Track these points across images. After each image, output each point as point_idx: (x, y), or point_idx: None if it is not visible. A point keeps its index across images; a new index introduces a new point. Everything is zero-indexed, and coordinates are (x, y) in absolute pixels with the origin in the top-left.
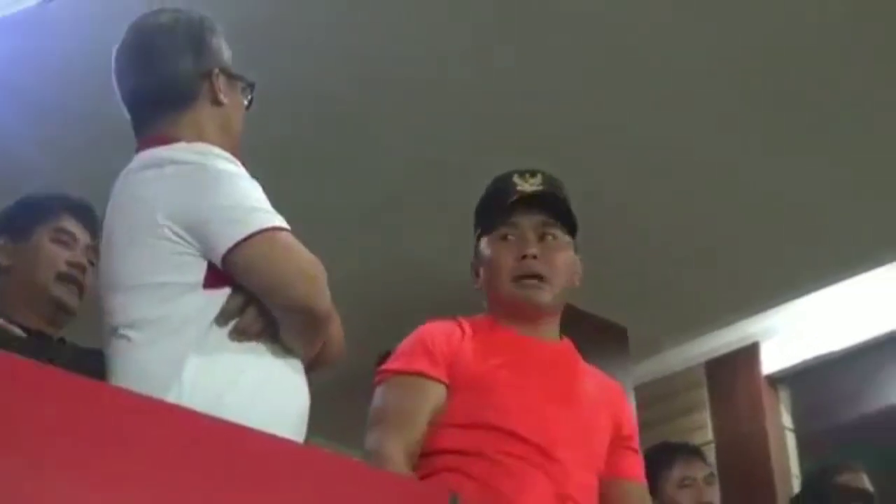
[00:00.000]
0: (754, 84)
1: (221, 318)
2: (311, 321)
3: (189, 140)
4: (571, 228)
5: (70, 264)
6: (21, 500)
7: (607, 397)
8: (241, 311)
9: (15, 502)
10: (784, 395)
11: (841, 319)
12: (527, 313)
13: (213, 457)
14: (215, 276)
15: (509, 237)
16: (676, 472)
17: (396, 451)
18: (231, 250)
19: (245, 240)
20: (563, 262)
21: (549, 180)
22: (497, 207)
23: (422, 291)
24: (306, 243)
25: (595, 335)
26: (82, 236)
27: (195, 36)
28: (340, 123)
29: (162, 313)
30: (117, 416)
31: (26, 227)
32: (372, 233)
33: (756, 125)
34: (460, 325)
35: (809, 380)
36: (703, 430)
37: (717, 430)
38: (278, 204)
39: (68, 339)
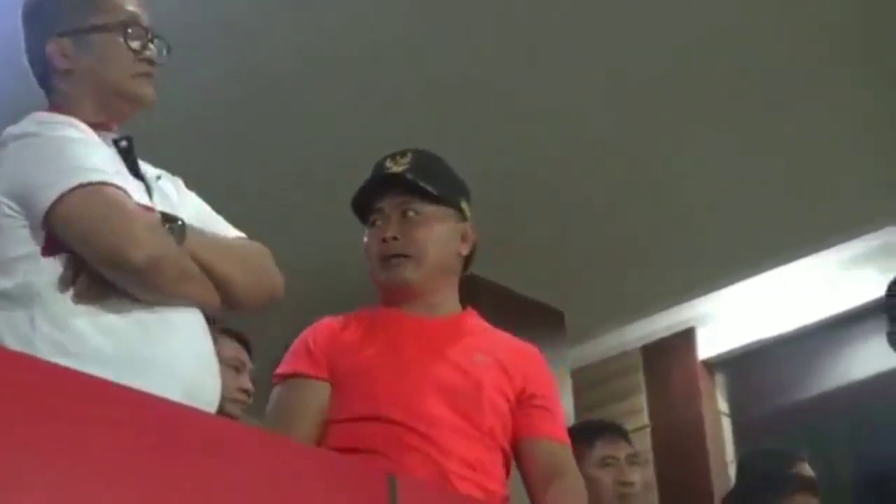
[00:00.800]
0: (685, 77)
1: (61, 285)
2: (130, 273)
3: (57, 108)
4: (452, 200)
5: None
6: None
7: (507, 362)
8: (77, 275)
9: None
10: (720, 380)
11: (777, 306)
12: (398, 293)
13: (149, 436)
14: (52, 243)
15: (377, 223)
16: (598, 451)
17: None
18: (48, 213)
19: (57, 200)
20: (428, 236)
21: (417, 158)
22: (365, 193)
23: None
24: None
25: (532, 319)
26: None
27: (30, 12)
28: (275, 102)
29: (11, 288)
30: (51, 394)
31: None
32: (310, 216)
33: (687, 117)
34: (348, 318)
35: (745, 365)
36: (639, 415)
37: (653, 415)
38: (213, 184)
39: None
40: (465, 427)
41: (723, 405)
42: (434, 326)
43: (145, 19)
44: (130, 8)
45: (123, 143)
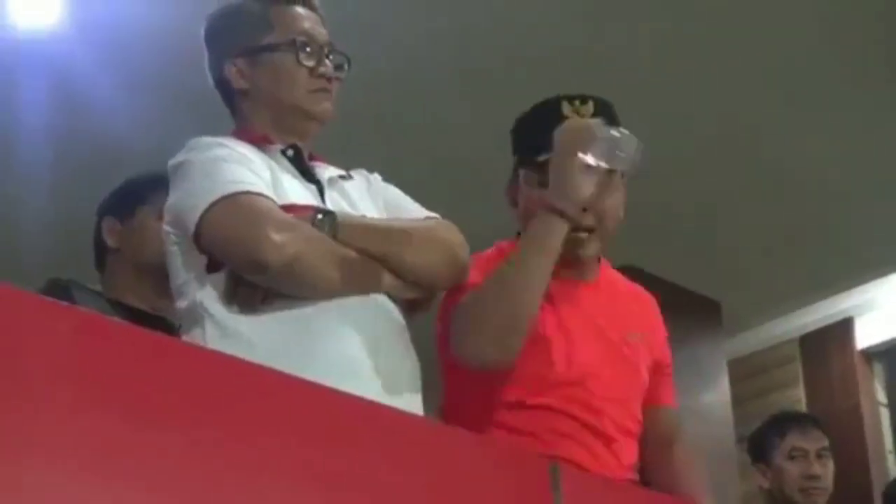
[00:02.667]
0: (838, 63)
1: (226, 297)
2: (273, 276)
3: (240, 128)
4: None
5: None
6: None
7: (650, 336)
8: (237, 285)
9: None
10: (878, 370)
11: None
12: (570, 264)
13: (302, 420)
14: (213, 260)
15: None
16: (788, 442)
17: None
18: (196, 233)
19: (201, 218)
20: (614, 206)
21: (602, 107)
22: (541, 137)
23: None
24: None
25: (689, 309)
26: None
27: (209, 36)
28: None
29: (185, 308)
30: (208, 378)
31: (133, 207)
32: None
33: (846, 104)
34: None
35: None
36: (796, 406)
37: (811, 406)
38: None
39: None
40: (623, 397)
41: (881, 395)
42: (591, 291)
43: (321, 35)
44: (304, 25)
45: (290, 152)
